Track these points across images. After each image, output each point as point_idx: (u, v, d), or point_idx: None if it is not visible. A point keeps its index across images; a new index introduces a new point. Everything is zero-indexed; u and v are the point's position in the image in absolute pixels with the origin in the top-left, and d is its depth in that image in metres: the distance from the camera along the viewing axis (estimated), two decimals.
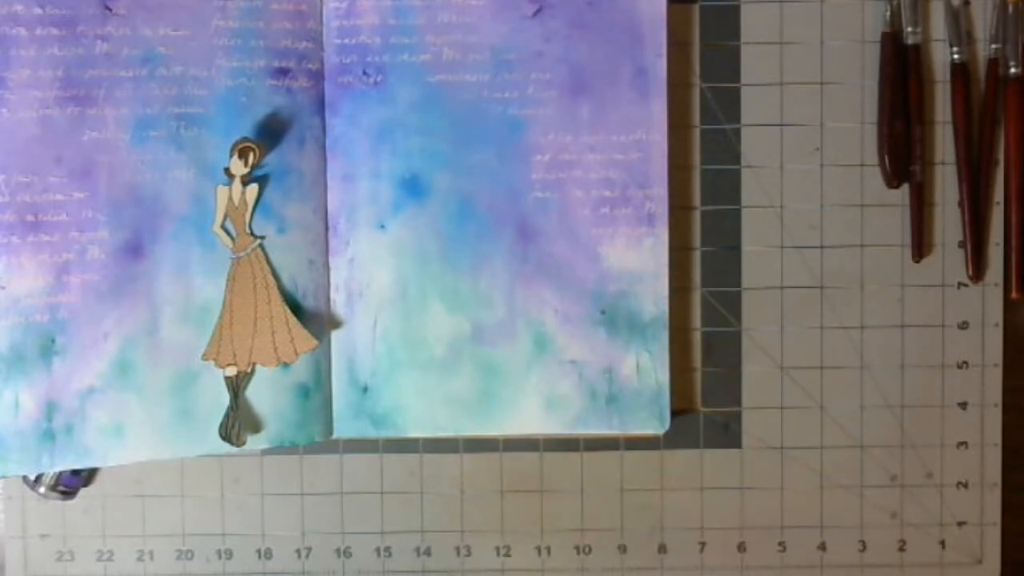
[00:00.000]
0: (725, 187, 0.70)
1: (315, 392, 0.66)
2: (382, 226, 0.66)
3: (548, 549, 0.71)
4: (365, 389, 0.66)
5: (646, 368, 0.67)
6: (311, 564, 0.71)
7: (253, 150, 0.63)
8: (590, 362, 0.67)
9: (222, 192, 0.64)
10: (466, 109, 0.66)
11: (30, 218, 0.62)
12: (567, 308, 0.66)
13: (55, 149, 0.62)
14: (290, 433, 0.66)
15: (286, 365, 0.65)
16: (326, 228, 0.66)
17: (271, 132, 0.64)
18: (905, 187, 0.70)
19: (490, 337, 0.66)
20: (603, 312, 0.66)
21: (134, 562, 0.70)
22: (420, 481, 0.70)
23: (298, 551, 0.71)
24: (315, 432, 0.66)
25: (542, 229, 0.66)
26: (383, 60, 0.65)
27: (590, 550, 0.71)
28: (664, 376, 0.67)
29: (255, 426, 0.65)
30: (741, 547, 0.71)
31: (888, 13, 0.69)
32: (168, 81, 0.63)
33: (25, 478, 0.69)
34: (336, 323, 0.66)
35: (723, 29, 0.69)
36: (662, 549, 0.71)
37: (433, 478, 0.70)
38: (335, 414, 0.67)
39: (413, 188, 0.66)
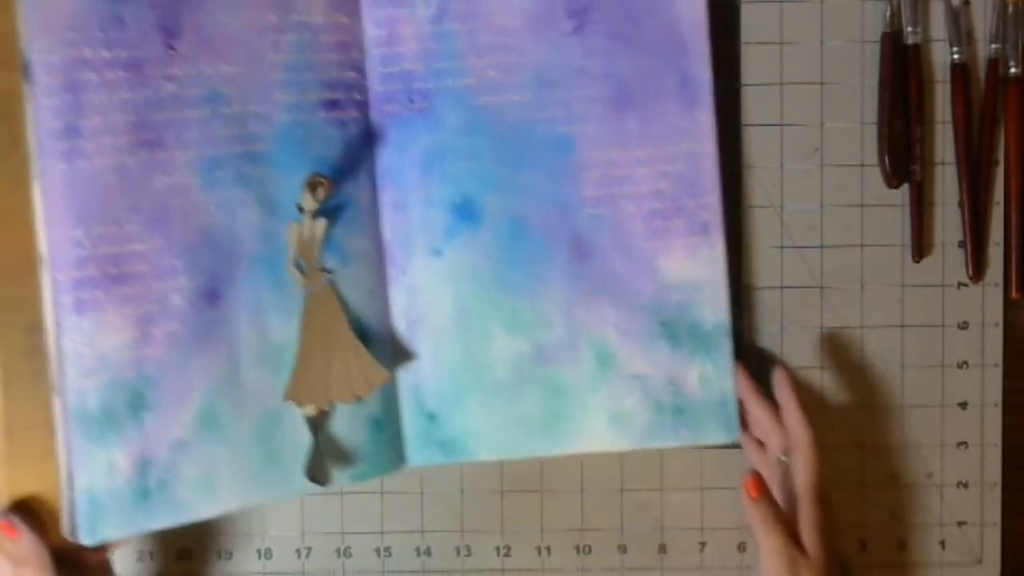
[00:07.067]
0: (725, 187, 0.69)
1: (386, 423, 0.65)
2: (438, 252, 0.65)
3: (548, 549, 0.71)
4: (432, 416, 0.66)
5: (710, 377, 0.66)
6: (311, 564, 0.71)
7: (322, 184, 0.60)
8: (653, 375, 0.66)
9: (292, 228, 0.62)
10: (513, 130, 0.65)
11: (112, 270, 0.59)
12: (627, 323, 0.65)
13: (131, 196, 0.59)
14: (367, 467, 0.64)
15: (360, 399, 0.64)
16: (384, 258, 0.65)
17: (337, 165, 0.63)
18: (905, 187, 0.70)
19: (552, 357, 0.65)
20: (663, 324, 0.65)
21: (134, 562, 0.70)
22: (420, 481, 0.70)
23: (298, 551, 0.71)
24: (389, 464, 0.65)
25: (597, 245, 0.65)
26: (427, 86, 0.64)
27: (590, 550, 0.71)
28: (728, 385, 0.66)
29: (339, 463, 0.64)
30: (741, 547, 0.71)
31: (888, 13, 0.69)
32: (231, 120, 0.62)
33: None
34: (402, 353, 0.65)
35: (723, 29, 0.69)
36: (662, 549, 0.71)
37: (433, 478, 0.70)
38: (405, 443, 0.66)
39: (465, 212, 0.65)
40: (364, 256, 0.64)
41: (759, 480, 0.63)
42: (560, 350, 0.65)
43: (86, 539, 0.59)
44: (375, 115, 0.65)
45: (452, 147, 0.65)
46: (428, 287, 0.65)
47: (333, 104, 0.63)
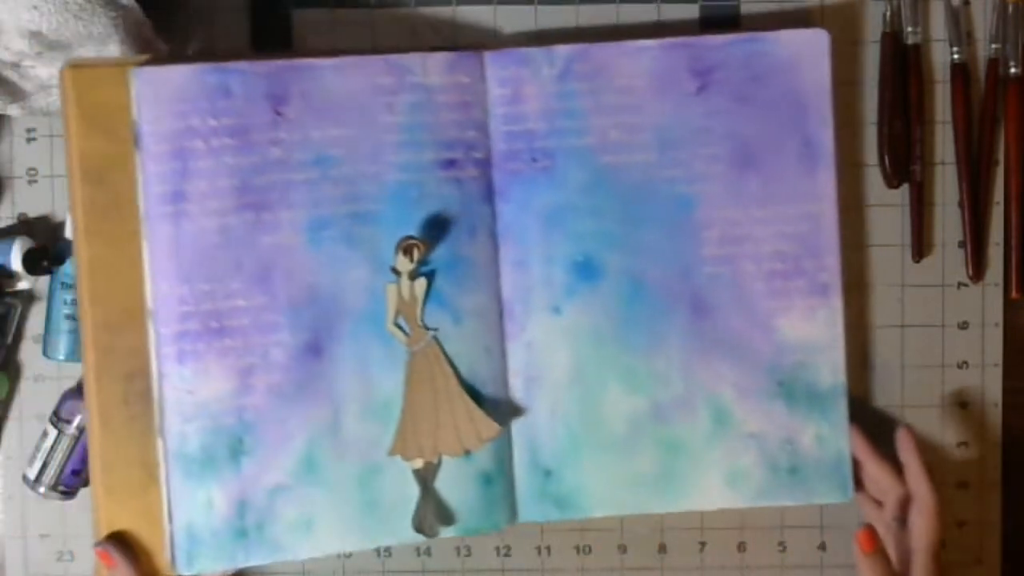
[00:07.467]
0: None
1: (498, 478, 0.65)
2: (557, 310, 0.65)
3: (548, 549, 0.71)
4: (548, 473, 0.66)
5: (825, 438, 0.66)
6: (311, 564, 0.71)
7: (417, 246, 0.62)
8: (770, 434, 0.66)
9: (391, 290, 0.63)
10: (634, 189, 0.65)
11: (214, 325, 0.62)
12: (744, 382, 0.66)
13: (234, 256, 0.62)
14: (476, 521, 0.65)
15: (469, 454, 0.64)
16: (501, 315, 0.65)
17: (440, 226, 0.64)
18: (905, 187, 0.70)
19: (669, 415, 0.66)
20: (780, 384, 0.66)
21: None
22: None
23: None
24: (500, 519, 0.65)
25: (716, 304, 0.65)
26: (550, 145, 0.65)
27: (590, 550, 0.71)
28: (844, 445, 0.66)
29: (447, 516, 0.64)
30: (741, 547, 0.71)
31: (888, 13, 0.69)
32: (340, 181, 0.63)
33: (25, 478, 0.69)
34: (516, 409, 0.66)
35: (723, 28, 0.69)
36: (662, 549, 0.71)
37: None
38: (518, 498, 0.66)
39: (586, 270, 0.65)
40: (480, 313, 0.65)
41: (873, 534, 0.63)
42: (677, 408, 0.66)
43: (184, 569, 0.62)
44: (497, 173, 0.65)
45: (574, 206, 0.65)
46: (547, 344, 0.65)
47: (451, 163, 0.64)
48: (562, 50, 0.65)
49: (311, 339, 0.63)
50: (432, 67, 0.64)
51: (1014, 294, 0.70)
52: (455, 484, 0.64)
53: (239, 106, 0.62)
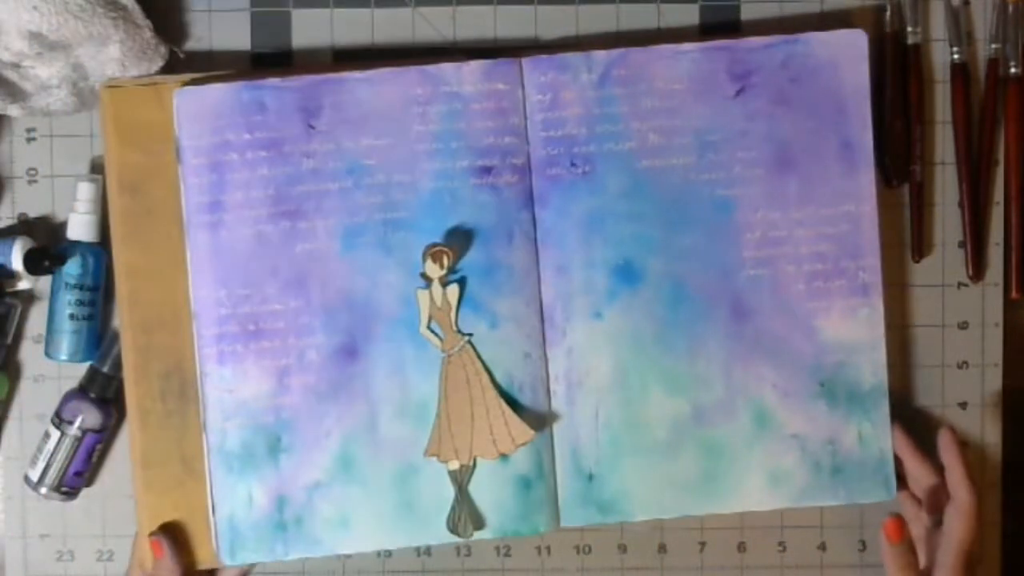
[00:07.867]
0: None
1: (537, 483, 0.66)
2: (598, 315, 0.66)
3: (548, 549, 0.71)
4: (591, 477, 0.66)
5: (868, 437, 0.66)
6: (311, 564, 0.71)
7: (446, 253, 0.63)
8: (812, 435, 0.66)
9: (422, 295, 0.64)
10: (674, 192, 0.65)
11: (251, 327, 0.65)
12: (786, 383, 0.66)
13: (270, 262, 0.65)
14: (514, 524, 0.65)
15: (506, 457, 0.65)
16: (541, 320, 0.66)
17: (466, 233, 0.65)
18: (905, 187, 0.70)
19: (711, 417, 0.66)
20: (822, 384, 0.66)
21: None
22: None
23: None
24: (540, 523, 0.66)
25: (756, 306, 0.66)
26: (590, 150, 0.65)
27: (590, 550, 0.71)
28: (887, 444, 0.66)
29: (480, 519, 0.65)
30: (741, 547, 0.71)
31: (888, 13, 0.69)
32: (373, 189, 0.64)
33: (27, 479, 0.69)
34: (556, 414, 0.66)
35: (722, 28, 0.69)
36: (662, 549, 0.71)
37: None
38: (561, 503, 0.66)
39: (626, 275, 0.65)
40: (517, 318, 0.65)
41: (900, 525, 0.63)
42: (718, 410, 0.66)
43: (227, 560, 0.66)
44: (537, 179, 0.65)
45: (614, 210, 0.65)
46: (588, 349, 0.66)
47: (487, 170, 0.65)
48: (601, 55, 0.65)
49: (346, 342, 0.65)
50: (467, 76, 0.64)
51: (1014, 294, 0.70)
52: (492, 487, 0.65)
53: (272, 120, 0.64)
